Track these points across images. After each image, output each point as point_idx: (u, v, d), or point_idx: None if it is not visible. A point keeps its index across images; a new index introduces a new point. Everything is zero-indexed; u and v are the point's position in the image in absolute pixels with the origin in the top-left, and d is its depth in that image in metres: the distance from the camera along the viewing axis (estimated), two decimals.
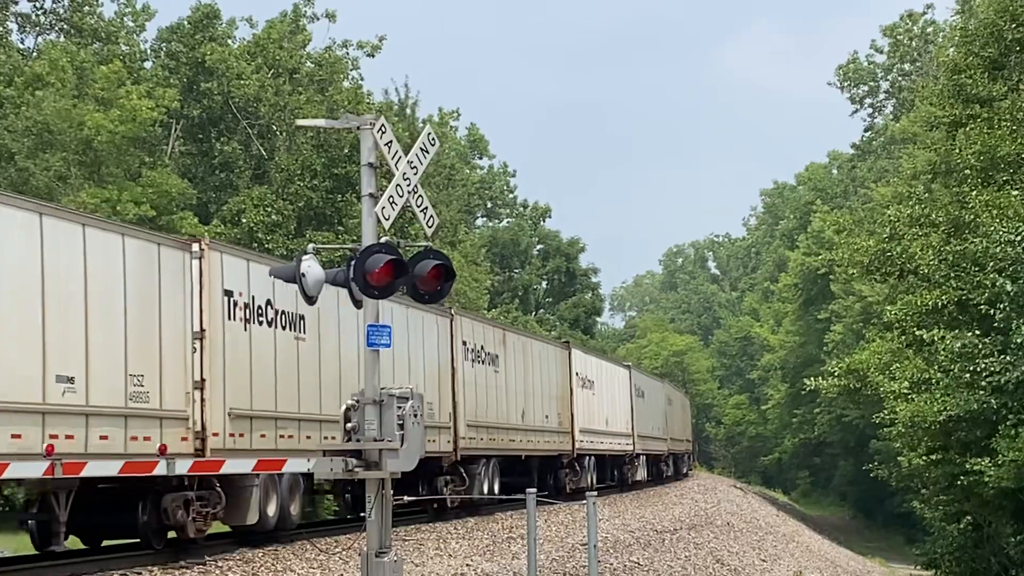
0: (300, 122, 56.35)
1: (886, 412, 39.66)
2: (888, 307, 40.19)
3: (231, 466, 27.89)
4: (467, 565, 27.91)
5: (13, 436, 21.61)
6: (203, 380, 26.95)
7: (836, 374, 49.25)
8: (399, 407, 18.02)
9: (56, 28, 67.50)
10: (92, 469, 23.94)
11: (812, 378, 56.62)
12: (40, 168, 53.53)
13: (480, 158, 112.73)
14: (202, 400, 27.09)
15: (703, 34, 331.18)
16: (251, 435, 29.20)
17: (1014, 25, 38.67)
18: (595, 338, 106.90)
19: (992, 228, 31.29)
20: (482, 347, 47.03)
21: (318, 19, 74.00)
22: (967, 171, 37.10)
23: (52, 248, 22.09)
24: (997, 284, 30.56)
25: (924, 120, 48.02)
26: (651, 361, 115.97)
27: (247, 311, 29.23)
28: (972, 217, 33.36)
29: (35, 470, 22.31)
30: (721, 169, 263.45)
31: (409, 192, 19.67)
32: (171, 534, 27.12)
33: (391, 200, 19.17)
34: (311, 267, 19.64)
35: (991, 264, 31.27)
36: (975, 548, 36.29)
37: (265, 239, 56.28)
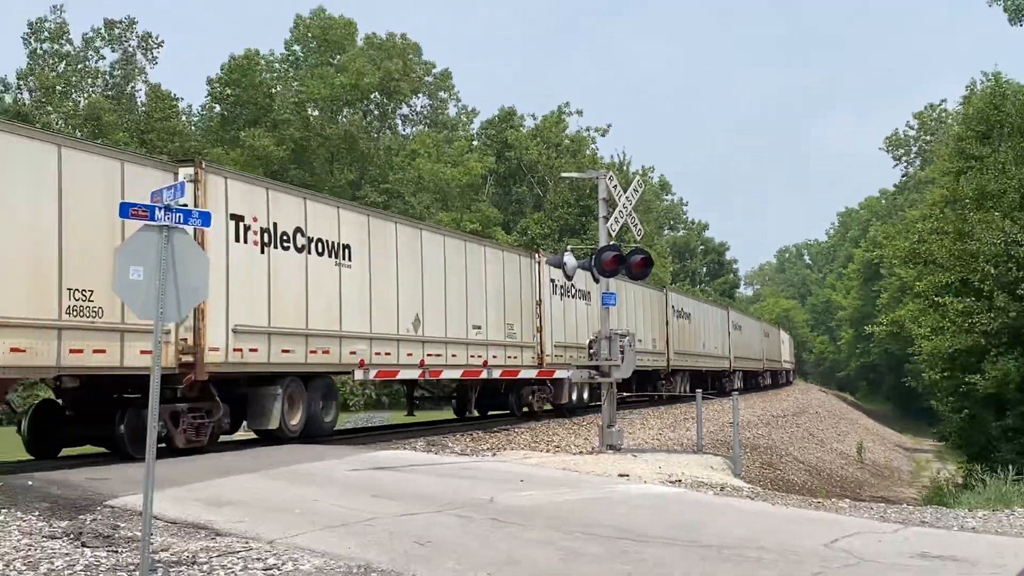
0: (563, 175, 64.95)
1: (915, 347, 50.33)
2: (917, 283, 47.64)
3: (559, 373, 34.69)
4: (660, 433, 32.08)
5: (429, 355, 28.88)
6: (540, 328, 35.53)
7: (884, 323, 62.47)
8: (620, 341, 25.81)
9: (423, 122, 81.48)
10: (447, 373, 30.57)
11: (869, 325, 74.43)
12: (417, 202, 65.98)
13: (666, 194, 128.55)
14: (540, 336, 35.76)
15: (803, 113, 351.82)
16: (565, 355, 36.79)
17: (995, 111, 46.35)
18: (735, 301, 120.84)
19: (983, 235, 38.58)
20: (682, 308, 55.26)
21: (572, 114, 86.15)
22: (967, 200, 44.43)
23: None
24: (985, 269, 38.12)
25: (940, 170, 55.72)
26: (768, 315, 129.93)
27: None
28: (970, 229, 40.23)
29: (413, 373, 28.65)
30: (814, 197, 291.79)
31: (627, 215, 27.16)
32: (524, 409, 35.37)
33: (616, 219, 26.68)
34: (569, 259, 27.09)
35: (982, 257, 38.49)
36: (970, 429, 43.38)
37: (541, 244, 64.75)
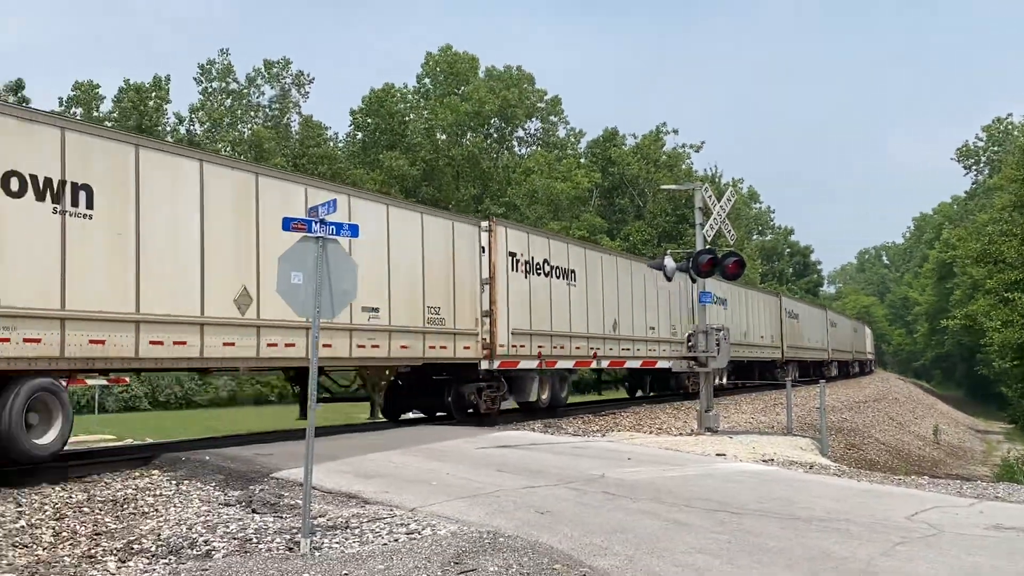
0: (663, 187, 62.81)
1: (987, 339, 49.17)
2: (988, 281, 47.14)
3: (661, 364, 34.24)
4: (752, 417, 31.66)
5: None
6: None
7: (958, 318, 60.04)
8: (716, 334, 25.69)
9: (536, 143, 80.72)
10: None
11: (944, 319, 72.16)
12: (532, 213, 65.82)
13: (755, 202, 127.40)
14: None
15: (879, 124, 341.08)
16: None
17: None
18: (818, 298, 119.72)
19: None
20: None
21: (668, 133, 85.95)
22: None
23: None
24: None
25: (1007, 178, 54.29)
26: (850, 310, 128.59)
27: None
28: None
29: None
30: (890, 203, 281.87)
31: (721, 222, 27.03)
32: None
33: (711, 226, 26.56)
34: (669, 262, 26.97)
35: None
36: None
37: (641, 250, 64.69)
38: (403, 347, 22.19)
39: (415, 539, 10.00)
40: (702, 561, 8.94)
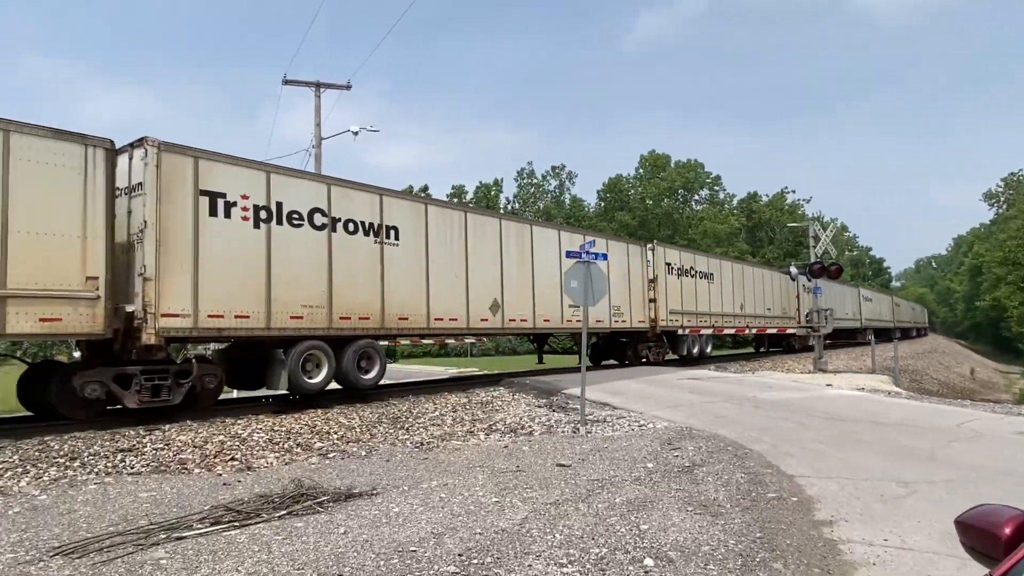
0: (789, 225, 59.74)
1: (1008, 313, 42.36)
2: (1008, 275, 41.18)
3: (790, 331, 30.57)
4: (847, 363, 28.33)
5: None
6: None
7: (987, 300, 53.92)
8: (824, 312, 24.18)
9: (705, 202, 72.93)
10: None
11: (977, 302, 65.84)
12: (703, 244, 58.73)
13: (845, 232, 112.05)
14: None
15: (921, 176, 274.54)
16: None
17: None
18: (888, 290, 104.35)
19: None
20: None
21: (790, 192, 77.15)
22: None
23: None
24: None
25: (1020, 210, 46.80)
26: (910, 297, 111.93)
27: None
28: None
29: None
30: (936, 228, 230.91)
31: (826, 244, 25.49)
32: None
33: (819, 248, 24.98)
34: (794, 269, 25.82)
35: None
36: None
37: (773, 263, 54.79)
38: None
39: (643, 429, 10.03)
40: (821, 448, 8.48)
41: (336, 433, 9.64)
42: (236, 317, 10.53)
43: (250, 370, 11.91)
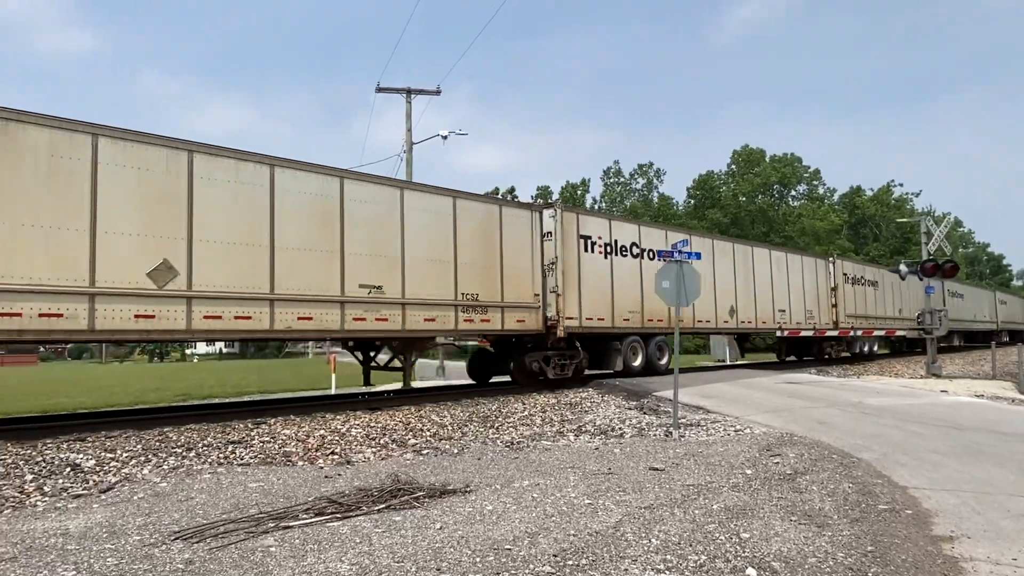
0: (898, 220, 56.09)
1: None
2: None
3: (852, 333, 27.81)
4: (963, 367, 26.52)
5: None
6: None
7: None
8: (938, 313, 22.64)
9: (803, 198, 68.45)
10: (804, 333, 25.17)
11: None
12: (801, 242, 55.88)
13: (958, 227, 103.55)
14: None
15: None
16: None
17: None
18: (1009, 289, 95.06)
19: None
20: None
21: (897, 185, 71.67)
22: None
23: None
24: None
25: None
26: None
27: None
28: None
29: (808, 333, 24.84)
30: None
31: (940, 240, 23.83)
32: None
33: (933, 243, 23.40)
34: (903, 268, 24.24)
35: None
36: None
37: (878, 262, 51.72)
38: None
39: (740, 434, 9.72)
40: (936, 458, 7.95)
41: (429, 431, 9.87)
42: (598, 320, 15.01)
43: (597, 355, 15.91)
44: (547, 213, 14.43)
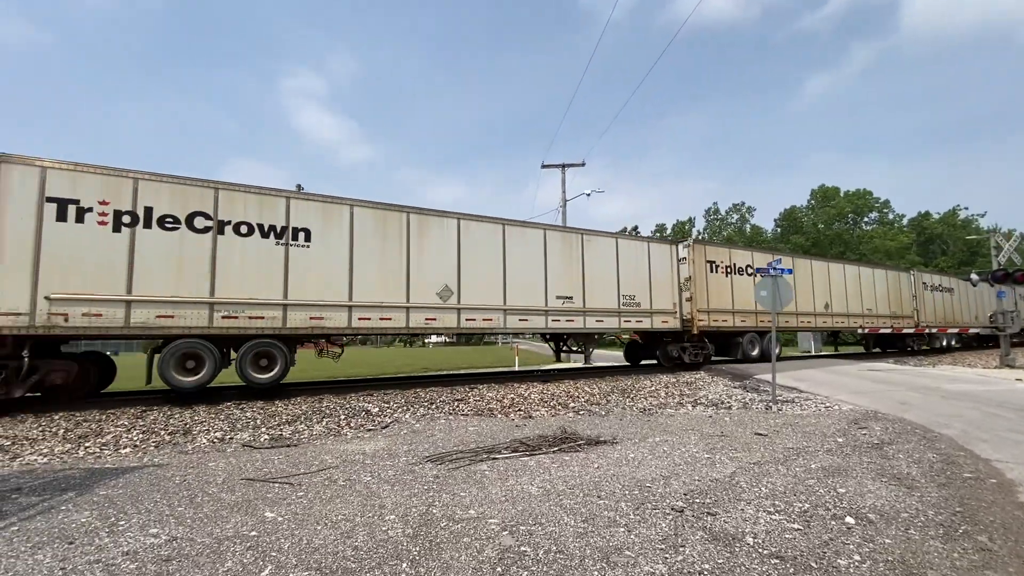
0: (967, 238, 42.35)
1: None
2: None
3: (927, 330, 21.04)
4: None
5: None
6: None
7: None
8: (1011, 314, 18.45)
9: (874, 223, 57.78)
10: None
11: None
12: (875, 259, 46.79)
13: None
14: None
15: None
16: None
17: None
18: None
19: None
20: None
21: (963, 208, 59.80)
22: None
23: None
24: None
25: None
26: None
27: None
28: None
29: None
30: None
31: (1011, 251, 19.48)
32: None
33: (1004, 255, 19.18)
34: (975, 277, 20.08)
35: None
36: None
37: (946, 270, 43.12)
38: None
39: (830, 410, 8.55)
40: (1016, 436, 6.44)
41: (583, 398, 9.77)
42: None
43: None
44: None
